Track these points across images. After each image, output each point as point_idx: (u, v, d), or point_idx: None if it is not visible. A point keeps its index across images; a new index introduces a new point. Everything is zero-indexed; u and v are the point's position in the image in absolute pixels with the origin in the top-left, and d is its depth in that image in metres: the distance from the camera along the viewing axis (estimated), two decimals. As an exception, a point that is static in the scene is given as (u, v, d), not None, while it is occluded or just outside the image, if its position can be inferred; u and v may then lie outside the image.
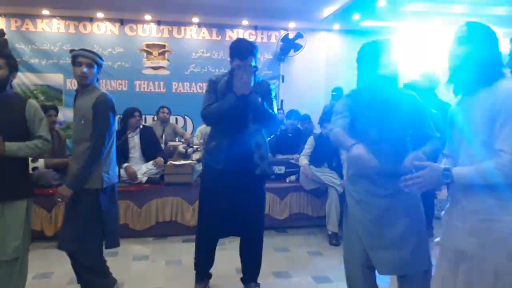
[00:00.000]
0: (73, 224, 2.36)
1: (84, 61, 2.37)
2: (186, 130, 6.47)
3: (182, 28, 6.46)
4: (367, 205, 2.03)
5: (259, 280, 2.82)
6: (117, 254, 3.49)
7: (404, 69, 2.15)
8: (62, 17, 6.06)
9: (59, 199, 2.31)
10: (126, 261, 3.37)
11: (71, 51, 2.43)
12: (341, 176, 4.13)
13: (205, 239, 2.79)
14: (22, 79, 5.99)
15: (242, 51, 2.54)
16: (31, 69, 6.00)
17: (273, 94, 2.72)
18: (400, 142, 2.04)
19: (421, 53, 6.42)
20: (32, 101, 2.37)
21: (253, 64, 2.55)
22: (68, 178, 2.42)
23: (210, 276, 2.88)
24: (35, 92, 5.98)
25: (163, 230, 3.96)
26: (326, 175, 4.08)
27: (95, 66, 2.40)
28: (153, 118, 5.90)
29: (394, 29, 6.48)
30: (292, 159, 4.61)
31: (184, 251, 3.60)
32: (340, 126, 2.03)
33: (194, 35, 6.51)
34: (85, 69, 2.35)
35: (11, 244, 2.23)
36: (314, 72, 6.83)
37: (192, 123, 6.54)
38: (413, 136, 2.08)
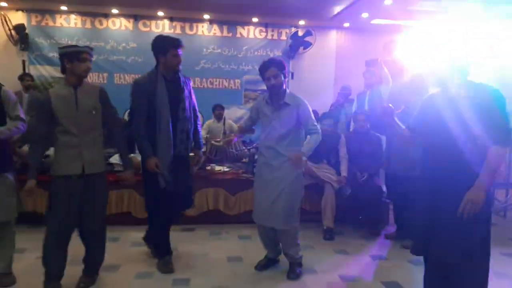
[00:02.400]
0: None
1: (89, 57, 2.58)
2: (195, 124, 6.66)
3: (194, 24, 6.62)
4: (261, 171, 2.97)
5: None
6: (118, 240, 3.69)
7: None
8: (79, 13, 6.33)
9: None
10: (125, 246, 3.56)
11: (68, 47, 2.62)
12: (338, 173, 4.21)
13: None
14: (42, 72, 6.31)
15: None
16: (50, 62, 6.29)
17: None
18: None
19: (431, 50, 6.37)
20: (5, 89, 2.69)
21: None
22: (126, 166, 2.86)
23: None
24: (53, 84, 6.27)
25: (163, 219, 4.13)
26: (323, 171, 4.17)
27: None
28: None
29: (404, 27, 6.46)
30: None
31: (181, 239, 3.77)
32: None
33: (206, 31, 6.67)
34: (89, 64, 2.59)
35: (3, 208, 2.68)
36: (324, 70, 6.89)
37: (202, 117, 6.69)
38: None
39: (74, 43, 6.28)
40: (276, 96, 2.90)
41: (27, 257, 3.26)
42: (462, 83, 2.11)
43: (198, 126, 3.24)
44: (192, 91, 3.13)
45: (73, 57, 2.55)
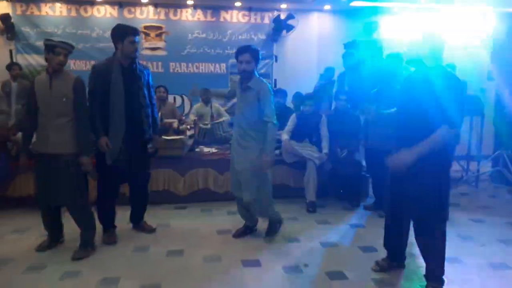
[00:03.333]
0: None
1: (63, 51, 2.89)
2: (183, 108, 6.84)
3: (178, 10, 6.73)
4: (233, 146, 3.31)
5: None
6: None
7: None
8: (64, 1, 6.38)
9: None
10: (122, 224, 3.78)
11: (47, 40, 2.93)
12: (320, 150, 4.47)
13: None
14: (29, 61, 6.38)
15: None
16: (37, 51, 6.33)
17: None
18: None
19: (410, 32, 6.61)
20: None
21: None
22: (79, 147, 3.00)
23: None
24: (41, 72, 6.35)
25: (156, 198, 4.36)
26: (306, 149, 4.42)
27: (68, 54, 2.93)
28: (152, 97, 6.25)
29: (383, 9, 6.67)
30: (278, 135, 4.94)
31: (174, 216, 4.02)
32: None
33: (190, 16, 6.78)
34: (62, 58, 2.90)
35: None
36: (307, 52, 7.07)
37: (189, 101, 6.88)
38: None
39: (60, 31, 6.41)
40: (244, 80, 3.18)
41: (31, 235, 3.50)
42: (433, 66, 2.39)
43: (156, 113, 3.49)
44: (150, 80, 3.39)
45: (50, 50, 2.89)
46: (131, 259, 3.09)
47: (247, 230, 3.52)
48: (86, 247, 3.12)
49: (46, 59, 2.95)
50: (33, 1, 6.30)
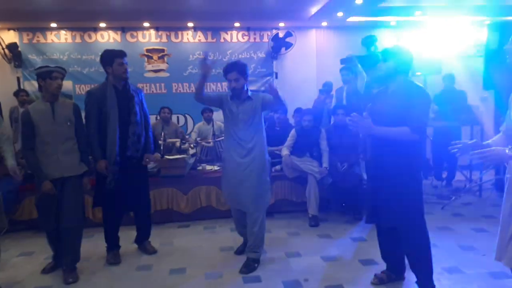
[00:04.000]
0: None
1: (59, 75, 3.01)
2: (187, 127, 6.96)
3: (179, 32, 6.91)
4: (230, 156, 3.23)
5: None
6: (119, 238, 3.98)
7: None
8: (69, 28, 6.60)
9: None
10: (126, 243, 3.84)
11: (40, 68, 3.05)
12: (321, 165, 4.52)
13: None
14: (36, 87, 6.54)
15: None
16: (44, 77, 6.55)
17: None
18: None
19: (408, 44, 6.70)
20: None
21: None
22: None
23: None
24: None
25: (160, 218, 4.43)
26: (306, 164, 4.48)
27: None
28: (156, 117, 6.37)
29: (379, 23, 6.79)
30: (278, 150, 5.01)
31: (177, 235, 4.09)
32: None
33: (191, 38, 6.96)
34: (60, 82, 3.02)
35: None
36: (306, 68, 7.19)
37: (193, 120, 7.00)
38: None
39: (66, 57, 6.62)
40: (237, 96, 3.18)
41: (37, 258, 3.58)
42: (400, 81, 2.53)
43: (150, 132, 3.55)
44: (144, 100, 3.49)
45: (46, 76, 2.97)
46: (135, 278, 3.14)
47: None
48: (75, 269, 3.14)
49: (40, 87, 3.03)
50: (39, 30, 6.53)
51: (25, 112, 3.01)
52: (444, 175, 5.88)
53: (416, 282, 2.65)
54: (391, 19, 6.60)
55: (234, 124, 3.20)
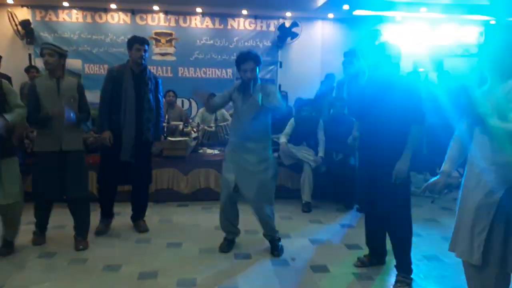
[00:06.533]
0: None
1: (46, 51, 3.13)
2: (191, 112, 7.14)
3: (188, 17, 7.05)
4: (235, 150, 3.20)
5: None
6: (120, 214, 4.19)
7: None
8: (80, 8, 6.77)
9: None
10: (127, 220, 4.05)
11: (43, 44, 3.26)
12: (317, 154, 4.69)
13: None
14: (46, 64, 6.74)
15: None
16: (54, 55, 6.73)
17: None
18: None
19: (411, 40, 6.80)
20: (5, 81, 3.05)
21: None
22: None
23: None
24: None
25: (160, 196, 4.64)
26: (302, 152, 4.65)
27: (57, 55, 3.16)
28: (161, 100, 6.55)
29: (386, 18, 6.86)
30: (276, 138, 5.18)
31: (176, 213, 4.30)
32: None
33: (199, 24, 7.09)
34: (47, 57, 3.11)
35: (11, 190, 3.00)
36: (310, 58, 7.32)
37: (197, 105, 7.17)
38: None
39: (76, 36, 6.78)
40: (247, 86, 3.09)
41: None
42: (391, 74, 2.67)
43: (160, 116, 3.76)
44: (160, 89, 3.70)
45: (41, 54, 3.18)
46: (133, 249, 3.36)
47: (231, 244, 3.41)
48: (85, 238, 3.38)
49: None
50: (52, 8, 6.69)
51: (32, 85, 3.23)
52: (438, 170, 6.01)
53: (395, 266, 2.83)
54: (396, 14, 6.68)
55: (239, 116, 3.18)
